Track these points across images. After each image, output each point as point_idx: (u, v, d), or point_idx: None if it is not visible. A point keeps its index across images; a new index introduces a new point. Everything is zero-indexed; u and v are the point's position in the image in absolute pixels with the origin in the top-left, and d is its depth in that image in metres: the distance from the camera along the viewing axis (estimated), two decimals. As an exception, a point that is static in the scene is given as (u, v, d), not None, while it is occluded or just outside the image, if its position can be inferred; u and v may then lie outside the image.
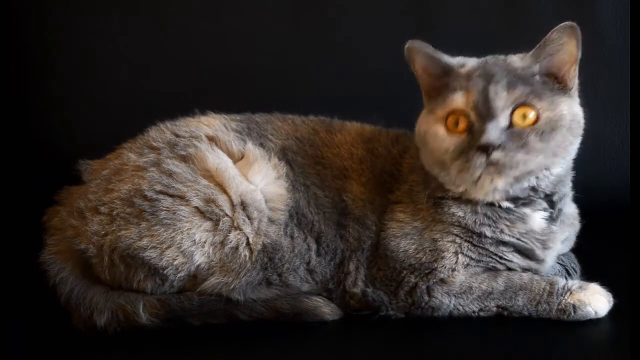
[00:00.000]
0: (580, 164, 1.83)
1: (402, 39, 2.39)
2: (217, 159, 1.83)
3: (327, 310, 1.82)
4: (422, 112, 1.81)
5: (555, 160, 1.73)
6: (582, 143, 1.78)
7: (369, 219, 1.84)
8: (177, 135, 1.89)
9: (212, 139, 1.88)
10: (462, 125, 1.70)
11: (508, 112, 1.67)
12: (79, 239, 1.80)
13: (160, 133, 1.90)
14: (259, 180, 1.85)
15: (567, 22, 1.70)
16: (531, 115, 1.68)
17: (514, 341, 1.72)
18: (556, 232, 1.82)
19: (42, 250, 1.86)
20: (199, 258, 1.77)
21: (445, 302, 1.78)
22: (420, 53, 1.77)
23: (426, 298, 1.78)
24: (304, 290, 1.85)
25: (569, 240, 1.91)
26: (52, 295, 1.84)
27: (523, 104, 1.67)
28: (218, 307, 1.80)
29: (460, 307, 1.79)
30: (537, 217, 1.79)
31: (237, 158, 1.88)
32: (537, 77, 1.71)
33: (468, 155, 1.68)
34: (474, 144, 1.67)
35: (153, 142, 1.87)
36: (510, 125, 1.67)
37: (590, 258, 1.96)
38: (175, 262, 1.76)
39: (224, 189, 1.80)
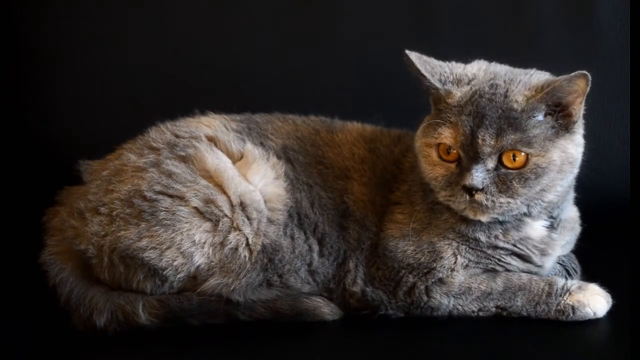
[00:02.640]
0: (580, 163, 1.83)
1: (402, 39, 2.39)
2: (217, 160, 1.83)
3: (327, 310, 1.82)
4: (426, 118, 1.79)
5: (544, 195, 1.73)
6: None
7: (369, 220, 1.84)
8: (177, 136, 1.89)
9: (211, 140, 1.88)
10: (453, 155, 1.71)
11: (495, 156, 1.67)
12: (79, 239, 1.80)
13: (160, 134, 1.90)
14: (257, 181, 1.85)
15: (578, 72, 1.64)
16: (519, 157, 1.67)
17: (513, 341, 1.73)
18: (556, 239, 1.83)
19: (42, 250, 1.86)
20: (199, 259, 1.77)
21: (444, 302, 1.78)
22: (412, 67, 1.75)
23: (425, 298, 1.78)
24: (304, 291, 1.85)
25: (570, 243, 1.91)
26: (52, 295, 1.84)
27: (512, 149, 1.67)
28: (218, 308, 1.80)
29: (460, 307, 1.79)
30: (537, 226, 1.80)
31: (237, 158, 1.88)
32: (538, 118, 1.68)
33: (453, 190, 1.70)
34: (459, 181, 1.69)
35: (153, 142, 1.87)
36: (499, 164, 1.67)
37: (590, 258, 1.96)
38: (175, 263, 1.76)
39: (223, 190, 1.80)
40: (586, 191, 1.91)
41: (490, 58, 1.85)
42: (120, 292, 1.80)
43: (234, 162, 1.87)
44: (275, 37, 2.57)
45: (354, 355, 1.74)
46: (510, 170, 1.67)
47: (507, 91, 1.70)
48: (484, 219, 1.73)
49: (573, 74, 1.65)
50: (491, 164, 1.68)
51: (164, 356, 1.73)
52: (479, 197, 1.68)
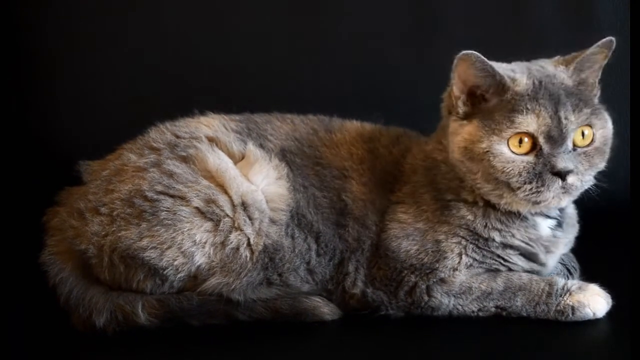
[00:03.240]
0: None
1: (402, 39, 2.39)
2: (218, 160, 1.83)
3: (326, 310, 1.83)
4: (456, 123, 1.75)
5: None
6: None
7: (369, 219, 1.84)
8: (177, 136, 1.89)
9: (212, 140, 1.88)
10: (527, 145, 1.69)
11: (572, 135, 1.68)
12: (79, 239, 1.80)
13: (160, 134, 1.91)
14: (259, 181, 1.85)
15: (608, 38, 1.69)
16: (588, 133, 1.69)
17: (513, 341, 1.73)
18: (560, 237, 1.83)
19: (42, 250, 1.86)
20: (200, 258, 1.77)
21: (445, 302, 1.78)
22: (476, 65, 1.70)
23: (425, 298, 1.79)
24: (304, 290, 1.85)
25: (570, 241, 1.91)
26: (52, 295, 1.84)
27: (586, 125, 1.69)
28: (217, 308, 1.80)
29: (460, 307, 1.79)
30: (544, 225, 1.81)
31: (238, 159, 1.88)
32: (584, 91, 1.71)
33: (543, 179, 1.68)
34: (548, 169, 1.67)
35: (153, 142, 1.87)
36: (573, 146, 1.69)
37: (590, 258, 1.96)
38: (176, 263, 1.76)
39: (224, 190, 1.80)
40: (586, 191, 1.91)
41: (490, 58, 1.84)
42: (120, 292, 1.80)
43: (235, 162, 1.87)
44: (275, 37, 2.58)
45: (354, 355, 1.73)
46: (585, 148, 1.69)
47: (552, 73, 1.72)
48: (566, 201, 1.74)
49: (601, 41, 1.70)
50: (570, 144, 1.68)
51: (163, 356, 1.73)
52: (572, 179, 1.68)
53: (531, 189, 1.69)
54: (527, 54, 1.89)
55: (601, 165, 1.74)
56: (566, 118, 1.67)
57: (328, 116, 2.04)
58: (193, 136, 1.88)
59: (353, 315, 1.83)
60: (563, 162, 1.66)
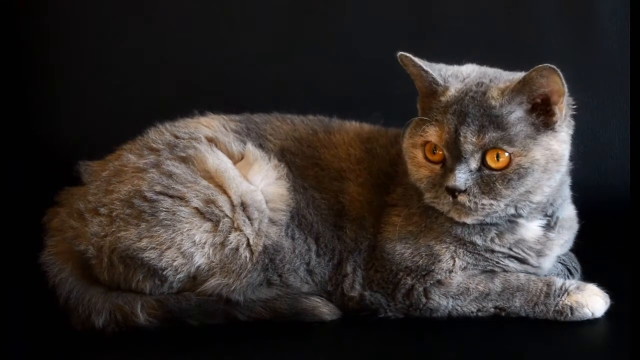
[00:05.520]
0: (580, 163, 1.83)
1: (402, 39, 2.38)
2: (217, 160, 1.83)
3: (325, 310, 1.83)
4: (414, 121, 1.78)
5: (530, 196, 1.72)
6: (582, 142, 1.76)
7: (366, 221, 1.84)
8: (176, 137, 1.89)
9: (211, 140, 1.88)
10: (438, 155, 1.71)
11: (478, 155, 1.66)
12: (78, 240, 1.81)
13: (159, 134, 1.91)
14: (259, 181, 1.85)
15: (545, 64, 1.63)
16: (505, 156, 1.66)
17: (513, 341, 1.73)
18: (553, 239, 1.82)
19: (42, 250, 1.86)
20: (199, 259, 1.77)
21: (443, 303, 1.78)
22: (409, 68, 1.74)
23: (423, 300, 1.78)
24: (304, 290, 1.85)
25: (568, 242, 1.90)
26: (52, 295, 1.84)
27: (493, 148, 1.66)
28: (216, 308, 1.80)
29: (459, 308, 1.79)
30: (532, 227, 1.79)
31: (237, 159, 1.88)
32: (517, 114, 1.67)
33: (437, 191, 1.71)
34: (442, 182, 1.69)
35: (153, 143, 1.88)
36: (483, 165, 1.67)
37: (589, 258, 1.96)
38: (175, 263, 1.77)
39: (224, 190, 1.80)
40: (586, 191, 1.91)
41: (490, 59, 1.85)
42: (119, 293, 1.80)
43: (234, 162, 1.87)
44: (274, 37, 2.58)
45: (353, 355, 1.73)
46: (494, 172, 1.67)
47: (487, 89, 1.70)
48: (468, 220, 1.73)
49: (535, 67, 1.64)
50: (474, 164, 1.67)
51: (162, 356, 1.73)
52: (461, 198, 1.68)
53: (429, 197, 1.73)
54: (527, 54, 1.90)
55: (506, 193, 1.67)
56: (465, 137, 1.65)
57: (328, 117, 2.04)
58: (192, 137, 1.88)
59: (352, 315, 1.83)
60: (454, 180, 1.66)
